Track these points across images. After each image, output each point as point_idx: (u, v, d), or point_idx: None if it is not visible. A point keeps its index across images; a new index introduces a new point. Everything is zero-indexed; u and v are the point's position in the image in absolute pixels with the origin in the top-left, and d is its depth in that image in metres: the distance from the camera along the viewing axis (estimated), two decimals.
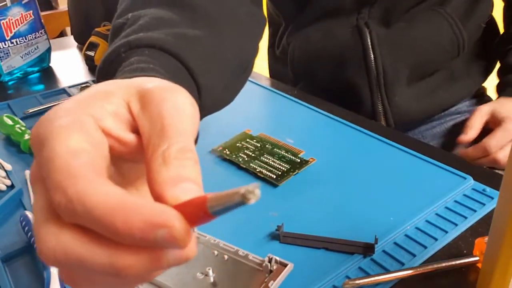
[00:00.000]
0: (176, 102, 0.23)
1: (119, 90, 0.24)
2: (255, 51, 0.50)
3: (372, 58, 0.68)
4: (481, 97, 0.79)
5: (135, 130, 0.24)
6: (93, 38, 0.85)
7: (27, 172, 0.53)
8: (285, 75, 0.81)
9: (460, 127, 0.74)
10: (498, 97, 0.72)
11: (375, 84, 0.70)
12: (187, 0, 0.40)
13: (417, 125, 0.77)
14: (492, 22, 0.76)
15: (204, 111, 0.39)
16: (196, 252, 0.21)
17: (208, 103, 0.40)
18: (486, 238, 0.34)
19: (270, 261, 0.37)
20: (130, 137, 0.24)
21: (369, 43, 0.68)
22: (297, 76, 0.78)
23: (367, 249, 0.39)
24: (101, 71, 0.36)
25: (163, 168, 0.21)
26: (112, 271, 0.19)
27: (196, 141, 0.37)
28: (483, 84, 0.81)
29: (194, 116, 0.24)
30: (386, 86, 0.70)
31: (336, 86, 0.73)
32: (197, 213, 0.19)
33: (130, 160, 0.25)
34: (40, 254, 0.20)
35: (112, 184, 0.20)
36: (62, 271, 0.22)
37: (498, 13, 0.78)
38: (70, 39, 1.04)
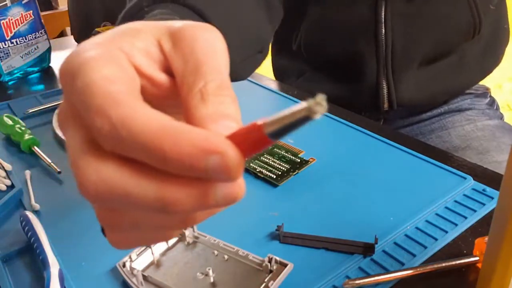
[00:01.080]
0: (208, 38, 0.22)
1: (149, 28, 0.23)
2: (270, 34, 0.50)
3: (383, 33, 0.67)
4: (484, 96, 0.79)
5: (167, 70, 0.23)
6: None
7: (27, 172, 0.53)
8: (289, 69, 0.82)
9: (458, 123, 0.74)
10: None
11: (382, 60, 0.69)
12: None
13: (416, 120, 0.76)
14: (502, 6, 0.75)
15: None
16: (245, 193, 0.19)
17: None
18: (486, 238, 0.34)
19: (270, 261, 0.37)
20: (163, 77, 0.22)
21: (383, 17, 0.67)
22: (308, 52, 0.77)
23: (367, 249, 0.39)
24: (122, 24, 0.35)
25: (201, 105, 0.20)
26: (159, 205, 0.18)
27: None
28: (487, 85, 0.81)
29: (226, 53, 0.23)
30: (393, 64, 0.69)
31: (345, 61, 0.73)
32: (251, 139, 0.18)
33: (162, 107, 0.23)
34: (80, 188, 0.19)
35: (156, 110, 0.18)
36: (101, 210, 0.21)
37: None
38: (70, 39, 1.04)
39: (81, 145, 0.19)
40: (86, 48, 0.20)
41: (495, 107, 0.80)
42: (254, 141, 0.18)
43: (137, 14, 0.34)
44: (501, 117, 0.78)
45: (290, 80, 0.82)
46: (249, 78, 0.75)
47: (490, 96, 0.80)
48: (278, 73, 0.86)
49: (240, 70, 0.45)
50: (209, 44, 0.22)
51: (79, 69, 0.19)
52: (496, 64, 0.77)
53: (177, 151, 0.17)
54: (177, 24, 0.23)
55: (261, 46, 0.48)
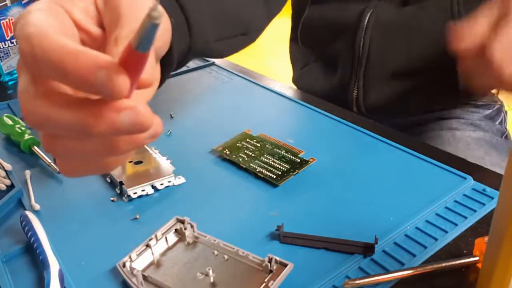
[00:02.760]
0: None
1: None
2: (260, 18, 0.53)
3: (362, 40, 0.68)
4: (485, 108, 0.75)
5: (102, 26, 0.28)
6: None
7: (27, 172, 0.53)
8: (297, 58, 0.86)
9: (437, 127, 0.71)
10: None
11: (356, 66, 0.70)
12: None
13: (392, 121, 0.75)
14: None
15: (195, 52, 0.42)
16: (151, 124, 0.24)
17: (199, 45, 0.43)
18: (486, 238, 0.34)
19: (270, 261, 0.37)
20: (98, 31, 0.28)
21: (365, 25, 0.68)
22: (303, 44, 0.80)
23: (367, 249, 0.39)
24: None
25: (114, 48, 0.25)
26: (78, 128, 0.24)
27: (170, 54, 0.40)
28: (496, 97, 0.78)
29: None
30: (366, 71, 0.69)
31: (328, 60, 0.75)
32: (128, 58, 0.22)
33: None
34: (25, 118, 0.25)
35: (72, 42, 0.23)
36: (44, 138, 0.26)
37: None
38: None
39: (25, 86, 0.25)
40: (32, 6, 0.26)
41: (497, 121, 0.76)
42: (132, 59, 0.22)
43: None
44: (502, 132, 0.74)
45: (296, 68, 0.85)
46: (249, 78, 0.75)
47: (497, 109, 0.76)
48: (291, 59, 0.89)
49: (215, 49, 0.48)
50: (132, 0, 0.27)
51: (22, 17, 0.25)
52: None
53: (76, 66, 0.22)
54: None
55: (244, 28, 0.51)
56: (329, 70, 0.76)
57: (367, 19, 0.68)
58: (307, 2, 0.77)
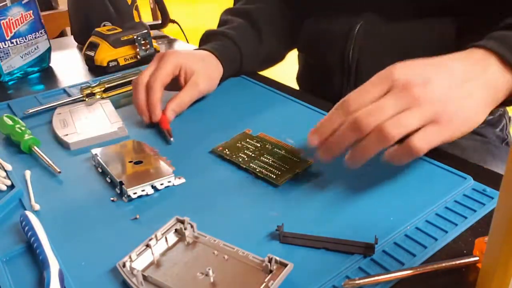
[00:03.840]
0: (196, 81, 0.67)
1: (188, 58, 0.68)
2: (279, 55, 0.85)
3: (351, 50, 0.69)
4: (494, 126, 0.74)
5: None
6: (93, 38, 0.86)
7: (27, 172, 0.53)
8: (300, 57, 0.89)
9: None
10: None
11: (346, 75, 0.71)
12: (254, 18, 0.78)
13: None
14: None
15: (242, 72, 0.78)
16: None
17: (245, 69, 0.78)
18: (486, 238, 0.34)
19: (270, 261, 0.37)
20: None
21: (354, 35, 0.68)
22: (301, 51, 0.83)
23: (367, 249, 0.39)
24: (203, 38, 0.79)
25: (170, 102, 0.64)
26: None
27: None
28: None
29: (201, 90, 0.68)
30: (357, 80, 0.70)
31: (320, 68, 0.75)
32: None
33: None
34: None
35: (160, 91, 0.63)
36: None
37: None
38: (70, 39, 1.04)
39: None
40: (171, 53, 0.67)
41: (498, 128, 0.74)
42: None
43: (211, 36, 0.78)
44: (503, 138, 0.73)
45: (300, 65, 0.86)
46: (249, 78, 0.75)
47: (499, 116, 0.74)
48: (299, 56, 0.90)
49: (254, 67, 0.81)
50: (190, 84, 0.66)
51: (165, 54, 0.67)
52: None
53: (150, 102, 0.63)
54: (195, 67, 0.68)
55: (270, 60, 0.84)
56: (324, 77, 0.76)
57: (356, 29, 0.68)
58: (306, 14, 0.78)
